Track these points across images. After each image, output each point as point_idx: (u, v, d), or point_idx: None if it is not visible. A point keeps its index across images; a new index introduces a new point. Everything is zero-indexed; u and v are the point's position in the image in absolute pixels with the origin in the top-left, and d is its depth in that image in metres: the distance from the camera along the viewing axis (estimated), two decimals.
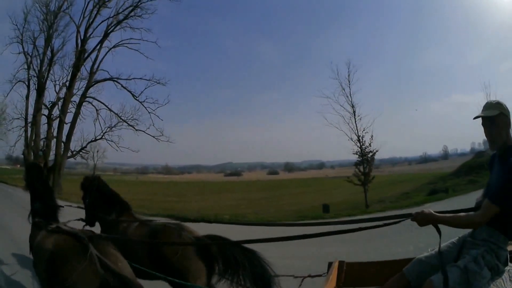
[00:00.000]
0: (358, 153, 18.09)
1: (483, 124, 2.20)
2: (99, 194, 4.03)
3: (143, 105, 23.74)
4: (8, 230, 7.88)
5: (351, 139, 18.33)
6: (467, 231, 2.27)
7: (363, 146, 17.97)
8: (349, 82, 19.19)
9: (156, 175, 57.36)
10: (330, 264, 2.73)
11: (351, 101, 18.81)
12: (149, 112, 23.77)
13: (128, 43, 24.05)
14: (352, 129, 18.35)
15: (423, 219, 2.13)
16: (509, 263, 2.12)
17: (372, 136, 17.83)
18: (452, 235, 2.29)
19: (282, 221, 12.65)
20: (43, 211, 3.29)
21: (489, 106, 2.19)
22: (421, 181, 24.97)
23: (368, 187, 17.50)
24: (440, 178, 23.31)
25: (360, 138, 18.08)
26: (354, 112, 18.57)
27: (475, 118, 2.21)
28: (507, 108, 2.17)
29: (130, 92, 23.83)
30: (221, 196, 29.32)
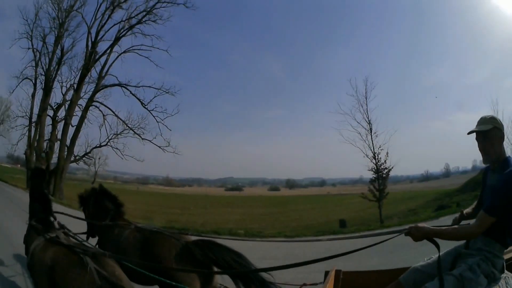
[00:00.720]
0: (373, 169, 17.86)
1: (476, 138, 2.26)
2: (96, 206, 4.13)
3: (151, 113, 23.32)
4: (7, 232, 7.50)
5: (367, 155, 18.08)
6: (462, 241, 2.32)
7: (378, 163, 17.76)
8: (366, 98, 18.88)
9: (157, 186, 56.72)
10: (326, 273, 2.72)
11: (368, 118, 18.52)
12: (157, 122, 23.32)
13: (139, 49, 23.81)
14: (368, 145, 18.09)
15: (417, 233, 2.16)
16: (506, 271, 2.14)
17: (387, 153, 17.65)
18: (443, 247, 2.27)
19: (301, 237, 12.08)
20: (41, 216, 3.36)
21: (483, 121, 2.24)
22: (426, 198, 24.68)
23: (382, 203, 17.16)
24: (445, 194, 23.01)
25: (376, 155, 17.88)
26: (370, 129, 18.27)
27: (469, 133, 2.26)
28: (501, 122, 2.23)
29: (138, 99, 23.36)
30: (225, 211, 28.37)
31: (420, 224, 2.22)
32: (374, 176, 17.76)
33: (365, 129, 18.30)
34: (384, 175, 17.63)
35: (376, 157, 17.79)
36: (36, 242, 2.84)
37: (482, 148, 2.24)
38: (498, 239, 2.11)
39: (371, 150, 17.94)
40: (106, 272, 2.33)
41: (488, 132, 2.19)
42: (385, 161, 17.64)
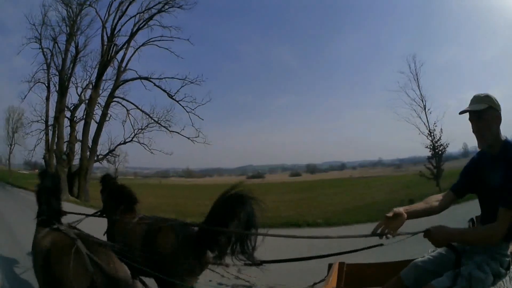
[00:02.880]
0: (429, 146, 17.92)
1: (470, 119, 2.07)
2: (109, 195, 4.16)
3: (180, 104, 22.30)
4: (24, 237, 6.77)
5: (422, 133, 18.26)
6: None
7: (434, 140, 17.78)
8: (417, 76, 19.21)
9: (178, 178, 56.85)
10: (330, 265, 2.73)
11: (421, 95, 18.80)
12: (187, 112, 22.35)
13: (159, 41, 22.68)
14: (423, 123, 18.28)
15: (439, 234, 1.97)
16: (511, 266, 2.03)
17: (441, 130, 17.67)
18: None
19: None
20: (47, 212, 3.33)
21: (476, 99, 2.05)
22: (453, 179, 23.15)
23: (439, 181, 17.03)
24: None
25: (431, 132, 17.95)
26: (424, 106, 18.51)
27: (460, 113, 2.08)
28: (497, 101, 2.02)
29: (164, 91, 22.35)
30: None
31: (441, 226, 2.00)
32: (432, 153, 17.76)
33: (420, 106, 18.58)
34: (440, 152, 17.62)
35: (432, 134, 17.80)
36: (41, 234, 2.92)
37: (476, 130, 2.05)
38: (505, 237, 1.93)
39: (426, 127, 18.08)
40: (101, 260, 2.30)
41: (483, 112, 2.00)
42: (440, 137, 17.63)
